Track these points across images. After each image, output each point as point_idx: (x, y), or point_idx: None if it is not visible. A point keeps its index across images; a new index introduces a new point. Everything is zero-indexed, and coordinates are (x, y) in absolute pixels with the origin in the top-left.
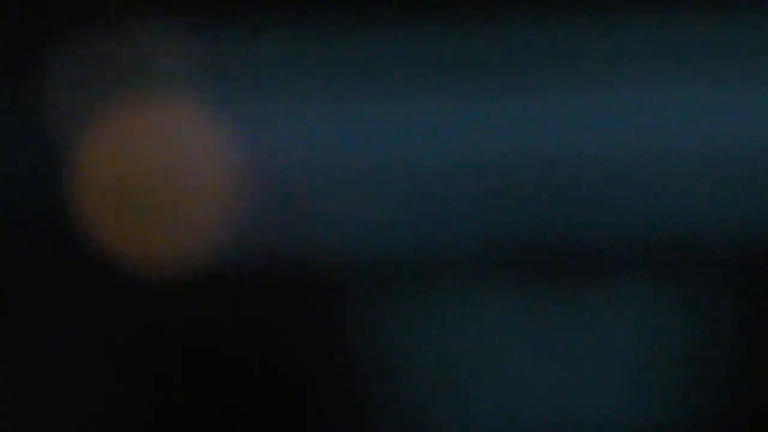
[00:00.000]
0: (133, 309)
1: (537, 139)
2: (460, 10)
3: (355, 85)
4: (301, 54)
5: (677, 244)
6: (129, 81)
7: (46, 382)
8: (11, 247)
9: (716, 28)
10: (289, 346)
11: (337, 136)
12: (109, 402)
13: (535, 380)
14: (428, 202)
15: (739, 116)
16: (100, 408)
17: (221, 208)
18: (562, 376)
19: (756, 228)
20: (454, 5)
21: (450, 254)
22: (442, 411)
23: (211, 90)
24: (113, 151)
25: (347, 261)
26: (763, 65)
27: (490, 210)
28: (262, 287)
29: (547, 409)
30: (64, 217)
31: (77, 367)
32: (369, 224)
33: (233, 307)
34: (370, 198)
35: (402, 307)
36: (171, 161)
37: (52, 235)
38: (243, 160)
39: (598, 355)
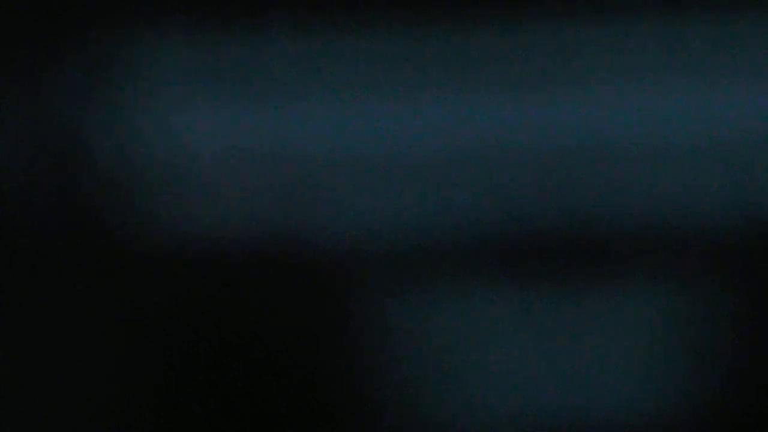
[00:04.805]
0: (134, 308)
1: (541, 132)
2: (462, 9)
3: (357, 80)
4: (302, 53)
5: (681, 239)
6: (130, 82)
7: (52, 375)
8: (12, 247)
9: (717, 27)
10: (291, 339)
11: (338, 133)
12: (110, 397)
13: (538, 376)
14: (432, 196)
15: (743, 113)
16: (103, 403)
17: (224, 206)
18: (565, 372)
19: (761, 224)
20: (456, 3)
21: (455, 248)
22: (444, 407)
23: (212, 89)
24: (116, 151)
25: (350, 254)
26: (763, 65)
27: (494, 203)
28: (261, 282)
29: (548, 406)
30: (66, 218)
31: (84, 362)
32: (371, 218)
33: (234, 303)
34: (372, 193)
35: (405, 300)
36: (173, 160)
37: (53, 234)
38: (245, 158)
39: (601, 350)
